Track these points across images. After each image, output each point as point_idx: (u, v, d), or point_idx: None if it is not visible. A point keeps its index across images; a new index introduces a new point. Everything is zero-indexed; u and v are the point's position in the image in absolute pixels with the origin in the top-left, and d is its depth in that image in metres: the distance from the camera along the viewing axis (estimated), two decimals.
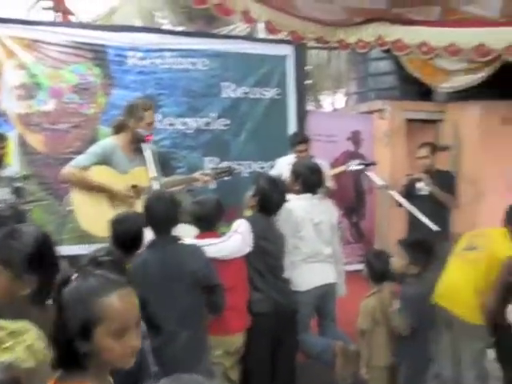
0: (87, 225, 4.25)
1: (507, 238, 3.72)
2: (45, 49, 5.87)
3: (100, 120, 5.91)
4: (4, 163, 5.34)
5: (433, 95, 8.27)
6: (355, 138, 7.37)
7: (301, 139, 5.74)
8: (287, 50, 6.76)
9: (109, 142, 4.46)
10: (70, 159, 4.57)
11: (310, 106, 12.86)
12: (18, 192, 4.72)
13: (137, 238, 3.16)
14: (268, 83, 6.66)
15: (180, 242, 3.16)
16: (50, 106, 5.89)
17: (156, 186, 3.88)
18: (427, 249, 3.59)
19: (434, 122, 8.15)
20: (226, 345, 3.43)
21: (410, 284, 3.57)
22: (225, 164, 6.33)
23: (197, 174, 4.57)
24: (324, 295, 4.07)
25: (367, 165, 5.56)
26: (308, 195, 4.05)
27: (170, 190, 4.00)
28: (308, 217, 3.98)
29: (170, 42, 6.33)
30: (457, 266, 3.82)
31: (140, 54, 6.15)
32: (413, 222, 5.59)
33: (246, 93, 6.55)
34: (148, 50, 6.18)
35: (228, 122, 6.46)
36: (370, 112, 7.97)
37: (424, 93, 8.09)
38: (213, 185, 4.67)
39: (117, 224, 3.17)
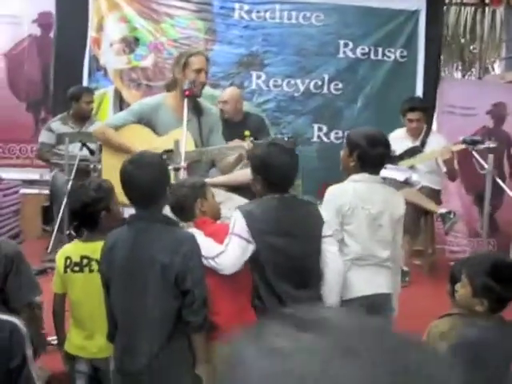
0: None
1: None
2: (147, 0, 5.53)
3: None
4: (92, 118, 5.06)
5: None
6: (497, 112, 6.16)
7: (412, 105, 4.70)
8: (419, 5, 5.71)
9: (154, 99, 3.81)
10: None
11: (472, 77, 11.33)
12: (88, 149, 4.34)
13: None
14: (393, 43, 5.70)
15: (168, 222, 2.30)
16: (148, 61, 5.63)
17: (180, 151, 3.16)
18: (507, 279, 2.28)
19: None
20: None
21: (472, 324, 2.43)
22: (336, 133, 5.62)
23: (245, 143, 3.49)
24: (373, 308, 2.96)
25: (475, 143, 4.29)
26: (365, 175, 2.85)
27: (158, 154, 3.02)
28: (361, 205, 2.83)
29: None
30: None
31: (247, 7, 5.59)
32: None
33: (365, 53, 5.68)
34: (256, 3, 5.62)
35: (342, 85, 5.67)
36: None
37: None
38: None
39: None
